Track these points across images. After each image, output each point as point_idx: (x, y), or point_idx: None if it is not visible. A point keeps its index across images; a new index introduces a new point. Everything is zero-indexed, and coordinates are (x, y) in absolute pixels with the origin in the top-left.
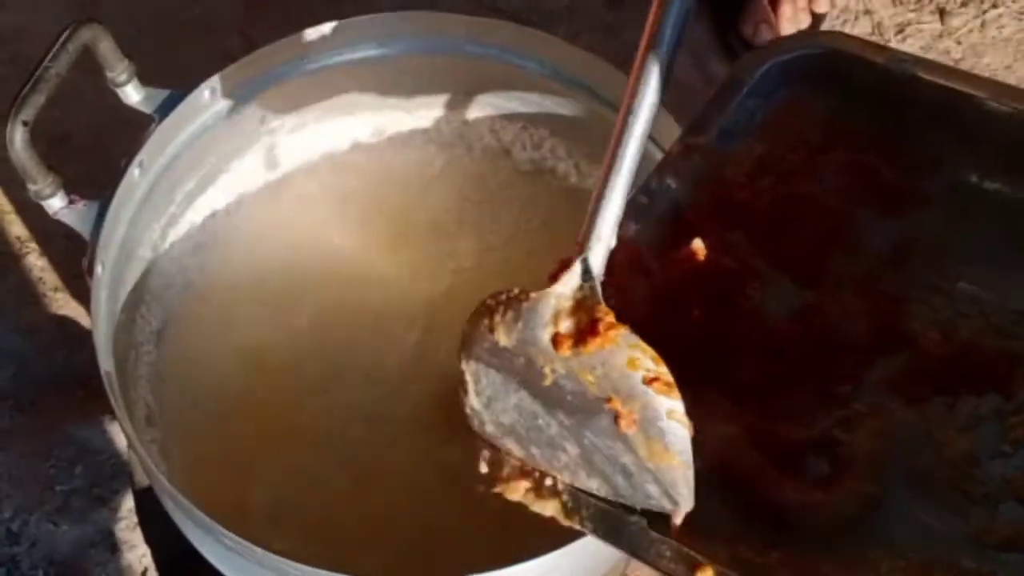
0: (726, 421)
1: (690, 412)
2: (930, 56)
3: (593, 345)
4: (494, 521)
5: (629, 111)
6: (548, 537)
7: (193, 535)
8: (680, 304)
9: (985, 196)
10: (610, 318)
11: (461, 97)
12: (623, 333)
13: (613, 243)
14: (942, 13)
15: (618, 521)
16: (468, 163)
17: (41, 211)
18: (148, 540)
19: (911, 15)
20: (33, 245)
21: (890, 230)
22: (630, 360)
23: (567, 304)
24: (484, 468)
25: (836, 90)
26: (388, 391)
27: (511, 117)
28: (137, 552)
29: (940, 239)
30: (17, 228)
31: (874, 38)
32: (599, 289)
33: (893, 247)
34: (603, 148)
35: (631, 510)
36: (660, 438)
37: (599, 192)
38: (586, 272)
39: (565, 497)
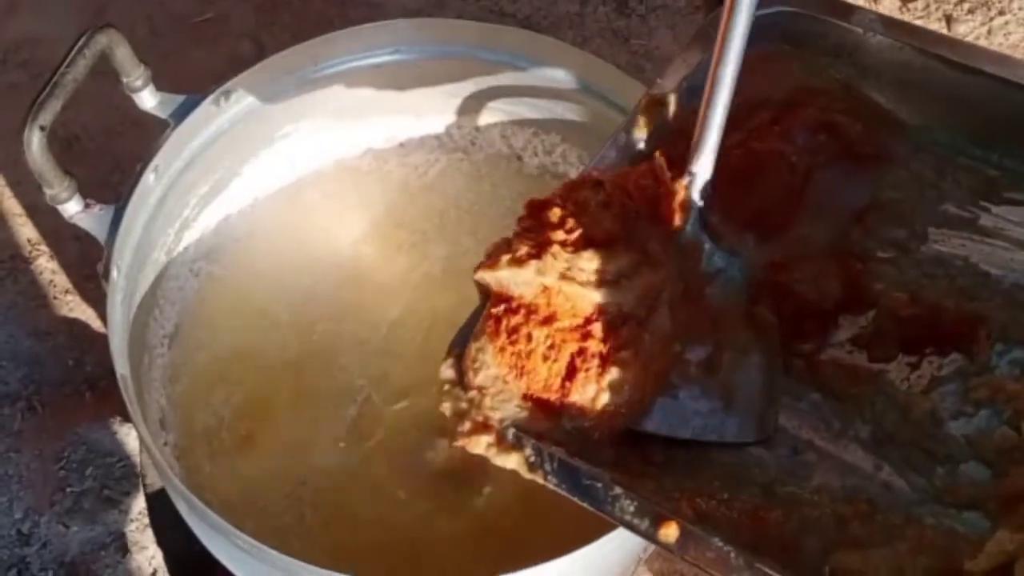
0: None
1: None
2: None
3: None
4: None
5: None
6: (545, 544)
7: (206, 537)
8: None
9: (952, 157)
10: None
11: (473, 103)
12: None
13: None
14: (949, 20)
15: (581, 475)
16: (470, 168)
17: (52, 214)
18: (160, 542)
19: (918, 22)
20: (44, 248)
21: (857, 190)
22: None
23: None
24: (447, 414)
25: (805, 49)
26: (394, 395)
27: (522, 123)
28: (147, 554)
29: (907, 200)
30: (28, 231)
31: None
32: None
33: (860, 207)
34: None
35: (596, 465)
36: None
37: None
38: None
39: (528, 451)
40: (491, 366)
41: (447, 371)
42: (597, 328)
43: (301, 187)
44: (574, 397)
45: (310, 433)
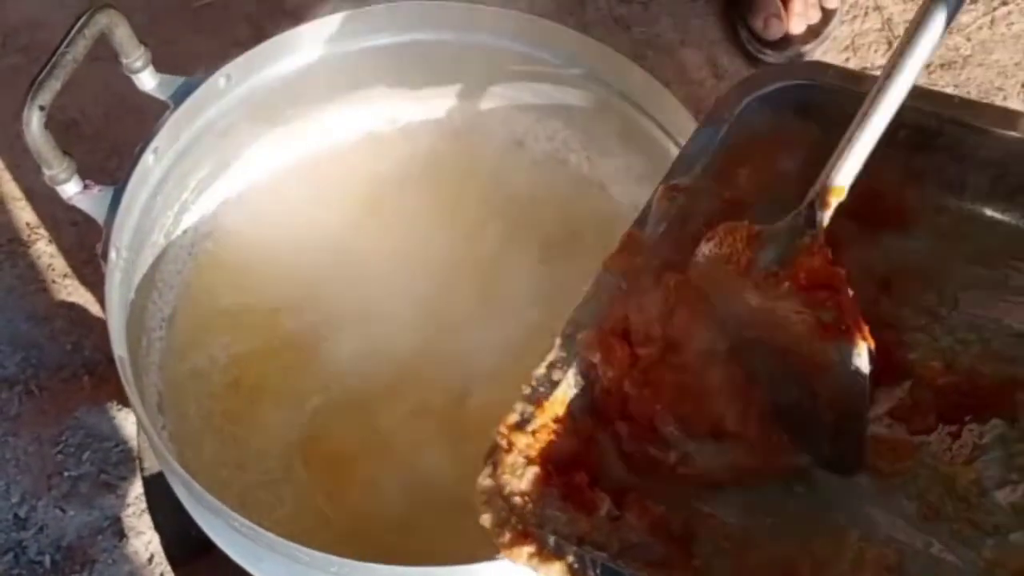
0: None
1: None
2: (939, 53)
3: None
4: None
5: (900, 57)
6: None
7: (203, 520)
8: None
9: (973, 218)
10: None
11: (475, 87)
12: None
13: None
14: None
15: None
16: (471, 153)
17: (50, 198)
18: (157, 526)
19: None
20: (42, 232)
21: (882, 257)
22: None
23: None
24: (488, 525)
25: (818, 120)
26: (387, 384)
27: (524, 108)
28: (144, 539)
29: (932, 264)
30: (27, 215)
31: (884, 34)
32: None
33: (886, 274)
34: (616, 139)
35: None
36: None
37: (847, 135)
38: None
39: (570, 559)
40: (531, 470)
41: (485, 481)
42: None
43: (301, 170)
44: None
45: (316, 417)
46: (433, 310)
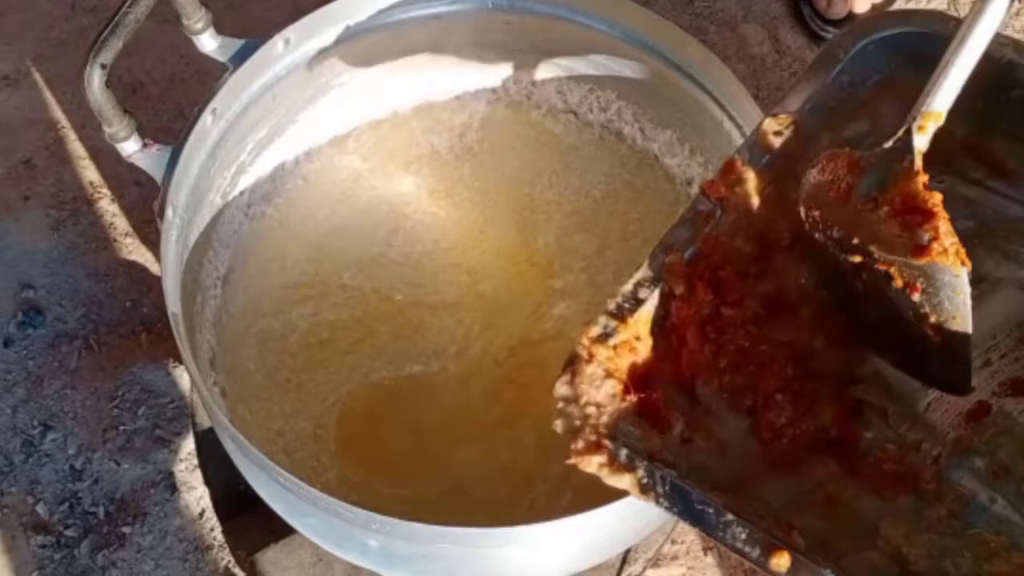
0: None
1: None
2: (1007, 34)
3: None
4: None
5: None
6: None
7: (250, 475)
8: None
9: None
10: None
11: (530, 57)
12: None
13: (942, 121)
14: None
15: (693, 499)
16: (526, 122)
17: (114, 157)
18: (207, 481)
19: None
20: (105, 191)
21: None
22: None
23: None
24: (560, 431)
25: (931, 71)
26: (438, 340)
27: (579, 79)
28: (196, 493)
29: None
30: (91, 173)
31: (950, 13)
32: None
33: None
34: (669, 112)
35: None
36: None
37: (943, 61)
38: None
39: (640, 473)
40: (609, 382)
41: (562, 388)
42: None
43: (357, 135)
44: None
45: (356, 369)
46: (494, 288)
